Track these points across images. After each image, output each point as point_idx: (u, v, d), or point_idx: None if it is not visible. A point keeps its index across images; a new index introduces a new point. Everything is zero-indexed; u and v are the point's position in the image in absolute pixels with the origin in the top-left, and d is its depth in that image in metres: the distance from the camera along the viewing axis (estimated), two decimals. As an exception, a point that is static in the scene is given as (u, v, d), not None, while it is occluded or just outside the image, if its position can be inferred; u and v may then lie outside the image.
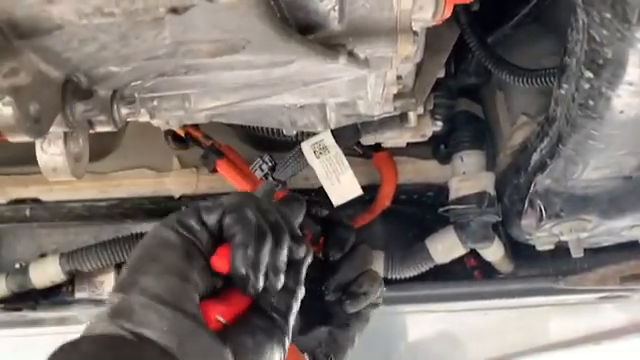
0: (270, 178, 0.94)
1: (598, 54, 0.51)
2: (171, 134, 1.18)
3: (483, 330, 1.48)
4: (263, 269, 0.55)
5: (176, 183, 1.15)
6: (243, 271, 0.55)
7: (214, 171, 1.07)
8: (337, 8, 0.68)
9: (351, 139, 0.89)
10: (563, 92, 0.69)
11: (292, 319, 0.59)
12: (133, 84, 0.61)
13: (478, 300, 1.20)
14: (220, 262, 0.55)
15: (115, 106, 0.59)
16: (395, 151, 1.17)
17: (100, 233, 1.21)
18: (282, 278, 0.57)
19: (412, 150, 1.18)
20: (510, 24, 1.02)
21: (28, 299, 1.15)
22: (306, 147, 0.88)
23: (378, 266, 1.10)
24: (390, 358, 1.50)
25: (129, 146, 1.16)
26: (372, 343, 1.44)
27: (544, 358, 1.73)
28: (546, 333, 1.53)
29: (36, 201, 1.16)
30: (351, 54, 0.71)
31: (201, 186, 1.14)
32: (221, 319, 0.54)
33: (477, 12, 0.96)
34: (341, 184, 0.87)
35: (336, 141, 0.88)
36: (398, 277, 1.12)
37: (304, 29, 0.68)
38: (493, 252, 1.12)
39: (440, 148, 1.14)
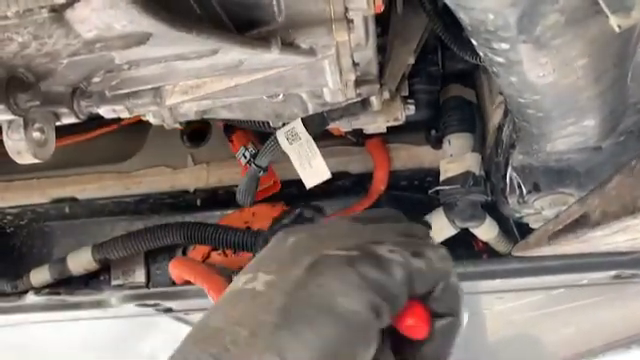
0: (253, 165, 1.03)
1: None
2: (186, 134, 1.32)
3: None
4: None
5: (190, 178, 1.27)
6: (438, 355, 0.48)
7: (230, 141, 1.21)
8: (275, 3, 0.77)
9: (319, 126, 0.96)
10: (487, 64, 0.73)
11: None
12: (95, 81, 0.73)
13: (481, 280, 1.22)
14: (418, 328, 0.47)
15: (76, 100, 0.70)
16: (390, 139, 1.23)
17: (131, 227, 1.35)
18: None
19: (407, 137, 1.24)
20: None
21: (70, 286, 1.31)
22: (280, 135, 0.96)
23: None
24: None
25: (149, 147, 1.30)
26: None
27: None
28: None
29: (74, 200, 1.32)
30: (291, 44, 0.79)
31: (211, 180, 1.26)
32: None
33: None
34: (312, 168, 0.95)
35: (306, 128, 0.95)
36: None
37: (247, 25, 0.78)
38: (485, 232, 1.14)
39: (431, 133, 1.19)
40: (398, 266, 0.45)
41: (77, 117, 0.71)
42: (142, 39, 0.58)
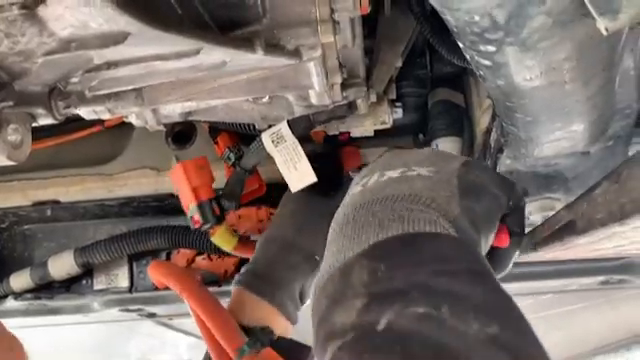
0: (238, 167, 1.01)
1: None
2: (171, 136, 1.30)
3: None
4: None
5: (174, 181, 1.24)
6: (507, 259, 0.69)
7: (216, 143, 1.19)
8: (260, 3, 0.76)
9: (305, 129, 0.95)
10: (474, 67, 0.72)
11: None
12: (73, 81, 0.71)
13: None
14: (504, 238, 0.66)
15: (53, 101, 0.68)
16: (378, 143, 1.21)
17: (114, 230, 1.32)
18: None
19: (395, 141, 1.22)
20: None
21: (52, 291, 1.28)
22: (265, 137, 0.95)
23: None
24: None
25: (133, 149, 1.28)
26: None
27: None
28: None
29: (56, 202, 1.29)
30: (276, 45, 0.78)
31: (196, 183, 1.23)
32: None
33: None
34: (298, 171, 0.93)
35: (292, 131, 0.94)
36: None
37: (231, 25, 0.76)
38: (473, 236, 1.13)
39: (418, 137, 1.17)
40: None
41: (54, 118, 0.69)
42: (119, 38, 0.56)
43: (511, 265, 0.70)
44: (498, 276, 0.68)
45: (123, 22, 0.52)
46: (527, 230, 1.08)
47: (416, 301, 0.44)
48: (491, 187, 0.61)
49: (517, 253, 0.69)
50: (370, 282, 0.48)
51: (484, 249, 0.60)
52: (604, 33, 0.49)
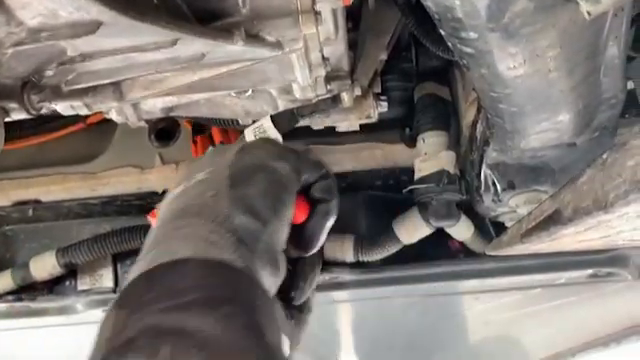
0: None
1: None
2: (154, 133, 1.28)
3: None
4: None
5: (158, 179, 1.23)
6: (315, 231, 0.62)
7: (194, 142, 1.18)
8: (239, -6, 0.74)
9: (289, 123, 0.94)
10: (457, 56, 0.71)
11: None
12: (48, 74, 0.69)
13: (458, 280, 1.20)
14: (299, 214, 0.61)
15: (26, 94, 0.66)
16: (365, 137, 1.20)
17: (97, 229, 1.30)
18: None
19: (382, 135, 1.21)
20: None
21: (34, 292, 1.26)
22: (248, 132, 0.93)
23: (347, 250, 1.13)
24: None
25: (116, 147, 1.26)
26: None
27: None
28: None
29: (37, 202, 1.27)
30: (256, 37, 0.76)
31: (181, 180, 1.21)
32: None
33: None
34: (281, 165, 0.91)
35: (275, 126, 0.92)
36: (368, 260, 1.15)
37: (210, 16, 0.75)
38: (461, 231, 1.12)
39: (405, 131, 1.16)
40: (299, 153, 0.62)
41: (28, 112, 0.68)
42: (92, 28, 0.55)
43: (323, 238, 0.63)
44: (312, 252, 0.63)
45: (95, 10, 0.51)
46: (512, 223, 1.07)
47: (139, 349, 0.42)
48: (269, 162, 0.59)
49: (329, 222, 0.63)
50: (112, 335, 0.45)
51: (281, 230, 0.56)
52: (587, 17, 0.48)
